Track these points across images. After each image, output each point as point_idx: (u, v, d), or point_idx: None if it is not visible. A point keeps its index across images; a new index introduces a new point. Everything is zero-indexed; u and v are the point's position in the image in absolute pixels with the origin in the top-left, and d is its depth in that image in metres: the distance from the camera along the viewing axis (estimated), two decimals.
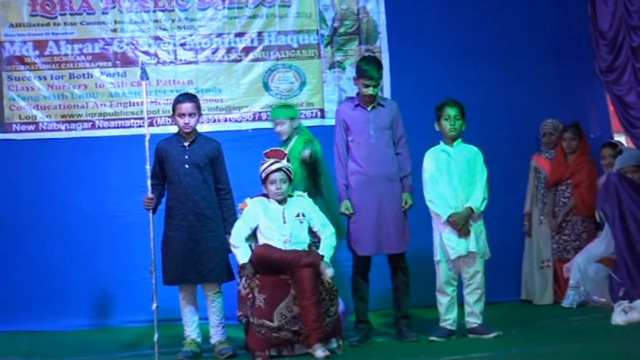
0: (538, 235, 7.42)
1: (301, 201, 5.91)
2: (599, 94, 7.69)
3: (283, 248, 5.67)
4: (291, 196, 5.90)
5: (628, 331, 5.72)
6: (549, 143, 7.49)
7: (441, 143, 6.07)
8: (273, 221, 5.76)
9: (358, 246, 6.07)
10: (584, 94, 7.70)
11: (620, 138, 7.70)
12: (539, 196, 7.47)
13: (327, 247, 5.79)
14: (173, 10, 7.44)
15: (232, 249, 5.77)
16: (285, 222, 5.76)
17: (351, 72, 7.15)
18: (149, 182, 5.80)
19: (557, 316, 6.55)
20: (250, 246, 5.78)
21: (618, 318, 5.92)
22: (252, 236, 5.83)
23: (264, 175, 5.80)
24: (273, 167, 5.77)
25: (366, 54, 7.20)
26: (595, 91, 7.69)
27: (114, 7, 7.38)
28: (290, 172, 5.81)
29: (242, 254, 5.70)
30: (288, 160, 5.85)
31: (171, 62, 7.47)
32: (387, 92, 7.40)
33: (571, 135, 7.35)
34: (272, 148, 5.91)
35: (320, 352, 5.42)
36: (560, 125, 7.44)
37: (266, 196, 5.86)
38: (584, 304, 6.84)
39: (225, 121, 7.48)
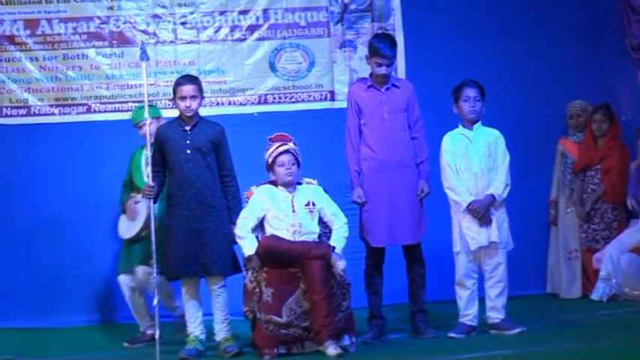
0: (565, 224, 7.41)
1: (311, 189, 5.91)
2: (631, 74, 7.65)
3: (292, 239, 5.67)
4: (300, 183, 5.89)
5: None
6: (577, 126, 7.47)
7: (460, 127, 6.04)
8: (282, 210, 5.75)
9: (371, 237, 6.06)
10: (614, 74, 7.67)
11: None
12: (566, 183, 7.46)
13: (338, 238, 5.78)
14: None
15: (238, 240, 5.76)
16: (294, 211, 5.75)
17: (362, 51, 7.13)
18: (149, 169, 5.80)
19: (585, 310, 6.54)
20: (257, 237, 5.77)
21: None
22: (259, 226, 5.82)
23: (270, 160, 5.79)
24: (281, 149, 5.77)
25: (379, 32, 7.18)
26: (626, 71, 7.67)
27: None
28: (298, 155, 5.80)
29: (248, 246, 5.70)
30: (295, 145, 5.84)
31: (171, 42, 7.46)
32: (401, 73, 7.39)
33: (601, 117, 7.33)
34: (277, 134, 5.89)
35: (332, 349, 5.41)
36: (589, 107, 7.42)
37: (273, 183, 5.85)
38: (615, 297, 6.83)
39: (229, 104, 7.48)
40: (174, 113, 6.13)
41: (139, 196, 6.22)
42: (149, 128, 5.95)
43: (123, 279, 6.32)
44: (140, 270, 6.16)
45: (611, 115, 7.34)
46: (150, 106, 6.36)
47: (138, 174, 6.35)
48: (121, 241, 6.44)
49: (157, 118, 6.37)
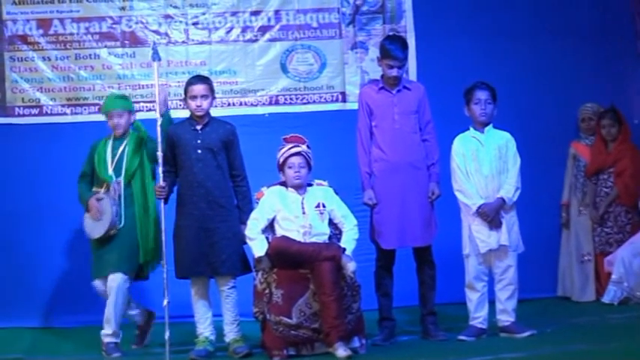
0: (577, 227, 7.39)
1: (322, 190, 5.91)
2: None
3: (302, 240, 5.67)
4: (310, 185, 5.90)
5: None
6: (589, 129, 7.45)
7: (471, 129, 6.04)
8: (292, 212, 5.76)
9: (382, 239, 6.06)
10: (625, 76, 7.65)
11: None
12: (579, 186, 7.44)
13: (349, 240, 5.78)
14: None
15: (248, 241, 5.77)
16: (304, 212, 5.76)
17: (374, 53, 7.13)
18: (160, 169, 5.82)
19: (596, 314, 6.53)
20: (267, 238, 5.78)
21: None
22: (270, 228, 5.83)
23: (281, 160, 5.80)
24: (292, 151, 5.78)
25: (391, 33, 7.17)
26: (638, 73, 7.63)
27: None
28: (310, 159, 5.81)
29: (258, 247, 5.71)
30: (309, 147, 5.85)
31: (182, 42, 7.48)
32: (412, 74, 7.38)
33: (609, 121, 7.30)
34: (292, 134, 5.91)
35: (341, 351, 5.41)
36: (601, 110, 7.39)
37: (284, 184, 5.86)
38: (627, 300, 6.82)
39: (240, 104, 7.49)
40: (185, 113, 6.14)
41: (101, 192, 6.04)
42: (120, 121, 6.03)
43: (98, 284, 6.06)
44: (111, 278, 5.94)
45: (619, 118, 7.31)
46: (122, 96, 6.37)
47: (103, 167, 6.09)
48: (90, 242, 6.16)
49: (129, 111, 6.19)
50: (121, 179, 6.03)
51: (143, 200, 6.05)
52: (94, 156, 6.15)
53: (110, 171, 6.07)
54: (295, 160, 5.77)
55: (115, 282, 5.92)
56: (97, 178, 6.14)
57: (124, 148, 6.09)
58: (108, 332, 5.98)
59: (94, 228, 6.03)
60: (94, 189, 6.12)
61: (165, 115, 5.86)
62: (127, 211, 6.00)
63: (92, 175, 6.17)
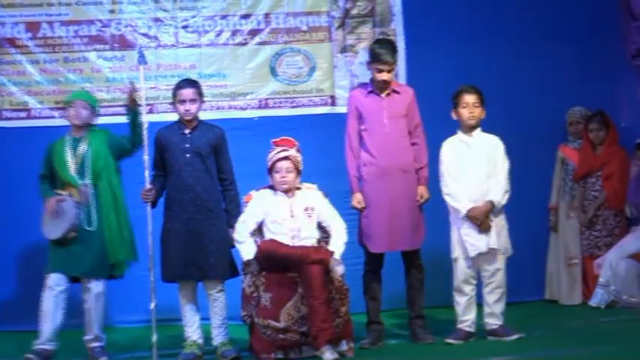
0: (565, 230, 7.40)
1: (310, 194, 5.91)
2: (630, 81, 7.64)
3: (291, 244, 5.67)
4: (299, 188, 5.90)
5: None
6: (577, 133, 7.46)
7: (459, 133, 6.05)
8: (280, 215, 5.76)
9: (370, 242, 6.06)
10: (613, 80, 7.65)
11: None
12: (567, 189, 7.45)
13: (337, 243, 5.78)
14: None
15: (236, 245, 5.77)
16: (292, 216, 5.76)
17: (363, 56, 7.13)
18: (147, 173, 5.82)
19: (584, 317, 6.54)
20: (255, 241, 5.78)
21: None
22: (258, 231, 5.83)
23: (270, 164, 5.81)
24: (280, 155, 5.78)
25: (380, 37, 7.18)
26: (626, 77, 7.65)
27: None
28: (299, 163, 5.81)
29: (247, 250, 5.71)
30: (299, 151, 5.85)
31: (172, 45, 7.47)
32: (402, 78, 7.38)
33: (597, 125, 7.32)
34: (282, 137, 5.91)
35: (328, 354, 5.41)
36: (589, 113, 7.41)
37: (273, 188, 5.86)
38: (614, 303, 6.83)
39: (230, 108, 7.48)
40: (174, 117, 6.13)
41: (64, 194, 5.87)
42: (82, 111, 5.92)
43: (56, 278, 5.84)
44: (87, 286, 5.88)
45: (607, 122, 7.33)
46: (85, 92, 6.29)
47: (63, 168, 5.90)
48: (48, 242, 5.96)
49: (93, 108, 6.06)
50: (88, 181, 5.90)
51: (112, 199, 5.94)
52: (51, 157, 5.98)
53: (72, 171, 5.91)
54: (282, 164, 5.77)
55: (91, 291, 5.88)
56: (60, 180, 5.95)
57: (87, 147, 5.96)
58: (90, 337, 5.94)
59: (52, 229, 5.87)
60: (58, 191, 5.91)
61: (133, 110, 5.82)
62: (97, 213, 5.91)
63: (51, 177, 5.99)
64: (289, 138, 5.92)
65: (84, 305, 5.94)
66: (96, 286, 5.91)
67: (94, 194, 5.91)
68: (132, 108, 5.87)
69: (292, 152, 5.81)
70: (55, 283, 5.86)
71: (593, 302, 6.91)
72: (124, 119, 7.14)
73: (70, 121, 6.05)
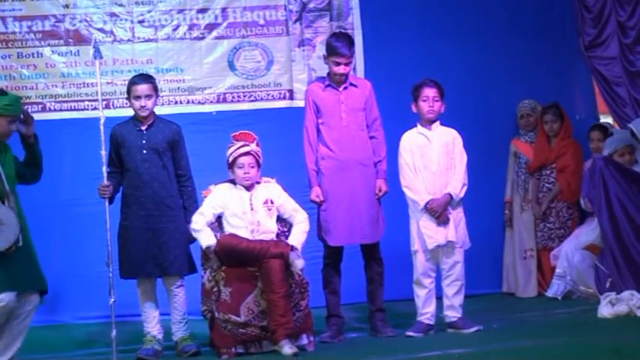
0: (520, 223, 7.43)
1: (270, 187, 5.88)
2: (584, 74, 7.70)
3: (250, 238, 5.63)
4: (258, 182, 5.86)
5: (615, 324, 5.74)
6: (527, 125, 7.49)
7: (419, 126, 6.04)
8: (240, 208, 5.72)
9: (329, 236, 6.04)
10: (568, 74, 7.71)
11: (606, 119, 7.73)
12: (520, 183, 7.49)
13: (299, 232, 5.76)
14: None
15: (194, 234, 5.71)
16: (252, 209, 5.72)
17: (321, 50, 7.09)
18: (104, 169, 5.74)
19: (541, 309, 6.58)
20: (215, 235, 5.73)
21: (605, 310, 5.94)
22: (219, 226, 5.78)
23: (231, 159, 5.75)
24: (242, 150, 5.73)
25: (337, 31, 7.16)
26: (580, 71, 7.71)
27: None
28: (259, 157, 5.77)
29: (205, 237, 5.66)
30: (258, 145, 5.81)
31: (128, 40, 7.37)
32: (360, 72, 7.36)
33: (552, 117, 7.37)
34: (241, 131, 5.86)
35: (287, 348, 5.39)
36: (539, 106, 7.45)
37: (232, 182, 5.81)
38: (570, 294, 6.89)
39: (188, 102, 7.41)
40: (131, 112, 6.04)
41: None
42: (18, 126, 5.24)
43: (9, 297, 4.99)
44: (30, 300, 5.11)
45: (562, 114, 7.38)
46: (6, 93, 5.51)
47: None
48: None
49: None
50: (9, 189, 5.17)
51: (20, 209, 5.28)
52: None
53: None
54: (244, 160, 5.72)
55: (34, 303, 5.17)
56: None
57: (6, 155, 5.24)
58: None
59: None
60: None
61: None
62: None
63: None
64: (249, 132, 5.87)
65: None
66: (38, 302, 5.21)
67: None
68: (29, 137, 5.27)
69: (253, 147, 5.76)
70: (10, 306, 5.04)
71: (550, 293, 6.96)
72: (78, 115, 7.13)
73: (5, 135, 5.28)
